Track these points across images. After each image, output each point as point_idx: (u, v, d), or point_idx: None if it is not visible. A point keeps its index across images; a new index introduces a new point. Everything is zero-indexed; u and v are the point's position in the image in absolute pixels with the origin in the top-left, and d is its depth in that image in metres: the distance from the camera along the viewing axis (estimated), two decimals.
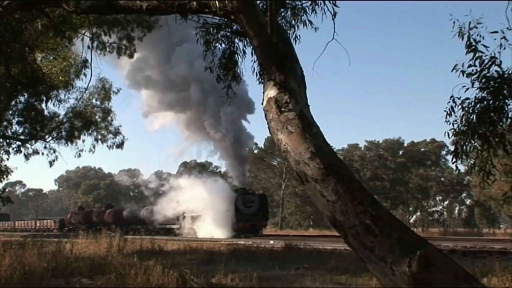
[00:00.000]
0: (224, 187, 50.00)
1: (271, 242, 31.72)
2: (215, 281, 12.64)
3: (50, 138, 33.89)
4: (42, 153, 33.77)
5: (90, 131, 34.35)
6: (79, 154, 34.43)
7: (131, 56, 20.52)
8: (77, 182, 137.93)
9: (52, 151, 34.00)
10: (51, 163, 34.12)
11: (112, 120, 35.38)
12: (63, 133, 33.75)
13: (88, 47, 16.75)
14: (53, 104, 30.04)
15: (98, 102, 34.86)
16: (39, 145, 33.79)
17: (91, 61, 17.32)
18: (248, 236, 42.21)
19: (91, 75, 25.26)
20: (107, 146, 35.10)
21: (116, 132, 35.48)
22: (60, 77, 26.69)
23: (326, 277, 14.06)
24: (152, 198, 61.90)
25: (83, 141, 34.44)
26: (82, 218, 70.06)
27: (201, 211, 47.83)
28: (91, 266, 13.56)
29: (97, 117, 34.60)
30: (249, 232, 45.50)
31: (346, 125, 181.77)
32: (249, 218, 47.16)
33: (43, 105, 30.33)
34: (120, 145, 35.52)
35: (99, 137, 34.90)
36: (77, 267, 13.55)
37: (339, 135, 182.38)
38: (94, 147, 34.82)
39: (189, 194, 49.26)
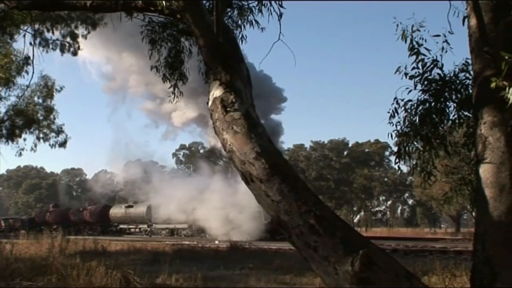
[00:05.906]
0: None
1: (216, 242, 31.70)
2: (159, 282, 12.58)
3: None
4: None
5: (31, 130, 33.61)
6: (20, 153, 33.66)
7: (75, 53, 20.19)
8: (18, 182, 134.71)
9: None
10: None
11: (54, 119, 34.66)
12: (4, 131, 32.91)
13: (31, 43, 16.47)
14: None
15: (40, 100, 34.12)
16: None
17: (33, 58, 17.03)
18: (284, 238, 34.81)
19: (33, 72, 24.79)
20: (49, 145, 34.36)
21: (59, 131, 34.77)
22: (1, 74, 26.04)
23: (271, 276, 14.14)
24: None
25: (25, 139, 33.66)
26: (59, 216, 67.26)
27: (220, 208, 40.74)
28: (31, 267, 13.31)
29: (39, 115, 33.83)
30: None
31: (291, 126, 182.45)
32: None
33: None
34: (62, 144, 34.79)
35: (41, 135, 34.17)
36: (17, 268, 13.29)
37: (285, 135, 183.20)
38: (35, 145, 34.07)
39: (203, 187, 42.04)
